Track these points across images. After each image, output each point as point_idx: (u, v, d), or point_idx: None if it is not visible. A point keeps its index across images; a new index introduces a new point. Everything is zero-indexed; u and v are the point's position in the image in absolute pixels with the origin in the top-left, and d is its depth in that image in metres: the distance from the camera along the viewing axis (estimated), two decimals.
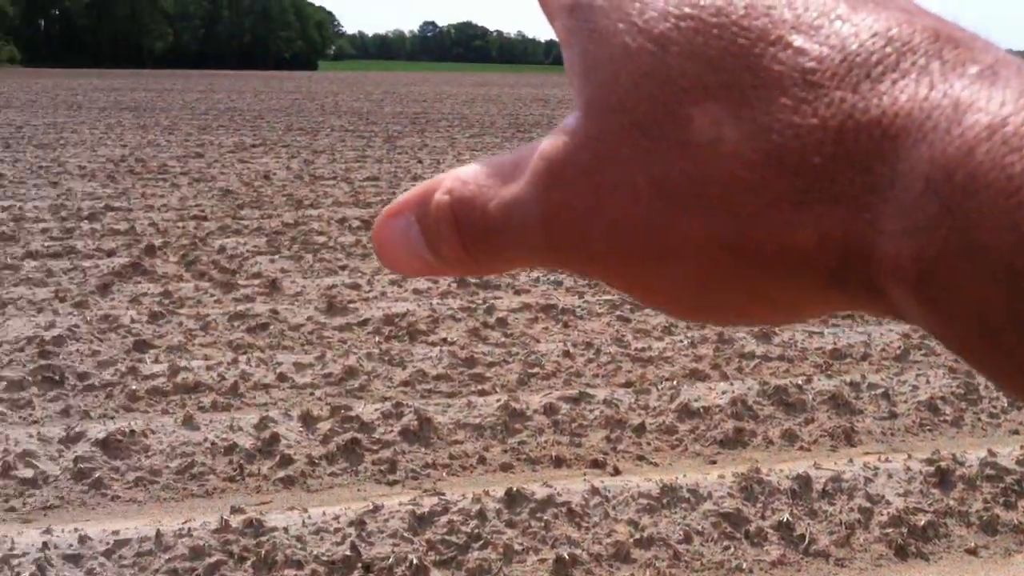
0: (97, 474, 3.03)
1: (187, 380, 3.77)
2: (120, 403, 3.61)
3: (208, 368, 3.88)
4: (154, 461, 3.12)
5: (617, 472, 3.20)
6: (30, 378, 3.75)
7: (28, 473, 3.03)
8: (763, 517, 2.86)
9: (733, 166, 0.27)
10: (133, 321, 4.44)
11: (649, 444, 3.40)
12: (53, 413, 3.53)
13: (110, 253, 5.87)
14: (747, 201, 0.26)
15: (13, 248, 5.94)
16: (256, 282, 5.20)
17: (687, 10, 0.28)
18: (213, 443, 3.22)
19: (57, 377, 3.76)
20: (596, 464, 3.27)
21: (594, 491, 2.88)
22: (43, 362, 3.95)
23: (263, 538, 2.59)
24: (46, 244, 6.04)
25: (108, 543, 2.54)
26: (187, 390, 3.72)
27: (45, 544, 2.53)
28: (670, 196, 0.27)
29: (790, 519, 2.85)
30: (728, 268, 0.28)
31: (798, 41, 0.27)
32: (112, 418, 3.47)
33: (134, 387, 3.71)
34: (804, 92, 0.26)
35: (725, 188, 0.27)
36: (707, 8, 0.28)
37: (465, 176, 0.32)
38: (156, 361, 4.02)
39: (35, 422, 3.45)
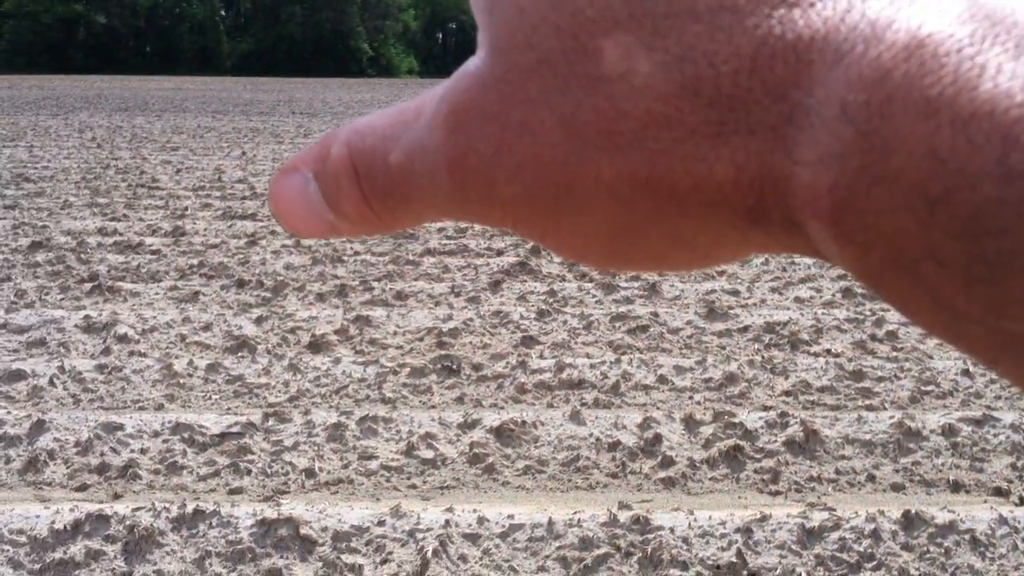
0: (490, 459, 3.19)
1: (572, 376, 3.89)
2: (510, 394, 3.79)
3: (592, 366, 3.98)
4: (542, 452, 3.24)
5: (1023, 502, 2.93)
6: (430, 366, 4.02)
7: (429, 454, 3.25)
8: None
9: (646, 99, 0.25)
10: (522, 318, 4.65)
11: None
12: (450, 400, 3.77)
13: (499, 252, 6.19)
14: (661, 136, 0.25)
15: (414, 245, 6.42)
16: (636, 285, 5.27)
17: None
18: (598, 439, 3.29)
19: (454, 366, 4.01)
20: (999, 492, 3.01)
21: (1001, 520, 2.65)
22: (441, 352, 4.23)
23: (649, 535, 2.61)
24: (443, 242, 6.48)
25: (504, 526, 2.67)
26: (572, 386, 3.83)
27: (447, 522, 2.70)
28: (581, 135, 0.26)
29: None
30: (643, 209, 0.26)
31: None
32: (503, 408, 3.64)
33: (523, 380, 3.88)
34: (718, 19, 0.25)
35: (638, 123, 0.25)
36: None
37: (364, 126, 0.30)
38: (542, 357, 4.18)
39: (433, 407, 3.70)
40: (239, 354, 4.24)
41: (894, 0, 0.23)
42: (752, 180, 0.24)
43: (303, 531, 2.65)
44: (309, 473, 3.12)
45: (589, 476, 3.13)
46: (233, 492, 3.02)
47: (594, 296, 5.13)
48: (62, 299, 5.05)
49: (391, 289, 5.25)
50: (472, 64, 0.29)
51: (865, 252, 0.23)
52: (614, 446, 3.26)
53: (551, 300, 5.06)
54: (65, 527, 2.62)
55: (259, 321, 4.62)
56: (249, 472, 3.13)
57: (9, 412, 3.39)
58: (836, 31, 0.23)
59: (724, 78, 0.24)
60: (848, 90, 0.23)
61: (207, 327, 4.54)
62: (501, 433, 3.32)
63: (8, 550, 2.55)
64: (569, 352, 4.27)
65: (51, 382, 3.79)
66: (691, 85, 0.25)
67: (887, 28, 0.23)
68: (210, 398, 3.75)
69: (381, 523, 2.69)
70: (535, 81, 0.27)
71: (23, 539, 2.59)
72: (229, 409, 3.62)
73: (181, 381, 3.85)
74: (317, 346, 4.36)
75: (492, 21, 0.28)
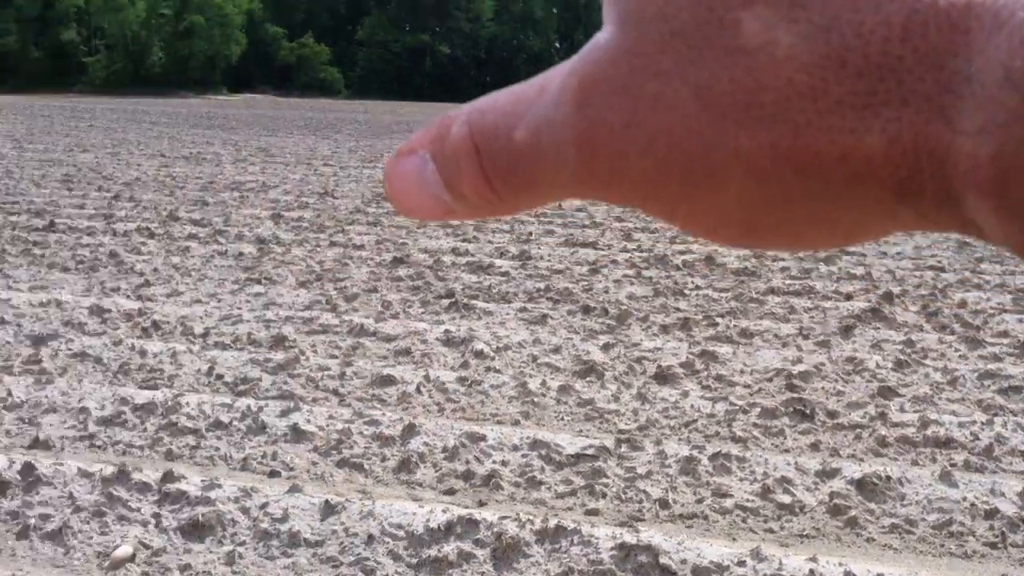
0: (852, 512, 3.05)
1: (938, 434, 3.65)
2: (869, 446, 3.61)
3: (960, 425, 3.72)
4: (910, 511, 3.06)
5: None
6: (781, 408, 3.91)
7: (786, 499, 3.15)
8: None
9: (788, 71, 0.24)
10: (878, 366, 4.43)
11: None
12: (804, 445, 3.64)
13: (848, 296, 5.95)
14: (805, 108, 0.24)
15: (757, 283, 6.30)
16: (1004, 341, 4.90)
17: None
18: (972, 504, 3.07)
19: (807, 411, 3.88)
20: None
21: None
22: (791, 395, 4.11)
23: None
24: (786, 282, 6.32)
25: None
26: (938, 444, 3.60)
27: (811, 572, 2.59)
28: (718, 107, 0.25)
29: None
30: (784, 184, 0.25)
31: None
32: (862, 460, 3.48)
33: (883, 432, 3.69)
34: None
35: (780, 95, 0.24)
36: None
37: (485, 105, 0.29)
38: (903, 410, 3.96)
39: (787, 451, 3.58)
40: (588, 378, 4.31)
41: None
42: (905, 151, 0.24)
43: (662, 560, 2.64)
44: (663, 503, 3.11)
45: (964, 543, 2.91)
46: (590, 513, 3.06)
47: (957, 350, 4.81)
48: (423, 312, 5.35)
49: (735, 326, 5.17)
50: (601, 38, 0.28)
51: None
52: (991, 514, 3.02)
53: (908, 350, 4.79)
54: (439, 527, 2.75)
55: (605, 348, 4.68)
56: (604, 495, 3.16)
57: (384, 414, 3.62)
58: None
59: (873, 47, 0.24)
60: (1012, 57, 0.22)
61: (556, 349, 4.66)
62: (863, 486, 3.17)
63: (388, 542, 2.71)
64: (933, 407, 4.02)
65: (418, 389, 4.01)
66: (836, 55, 0.24)
67: None
68: (563, 419, 3.83)
69: (741, 563, 2.63)
70: (668, 53, 0.26)
71: (401, 534, 2.74)
72: (581, 431, 3.68)
73: (535, 400, 3.96)
74: (663, 377, 4.35)
75: None
